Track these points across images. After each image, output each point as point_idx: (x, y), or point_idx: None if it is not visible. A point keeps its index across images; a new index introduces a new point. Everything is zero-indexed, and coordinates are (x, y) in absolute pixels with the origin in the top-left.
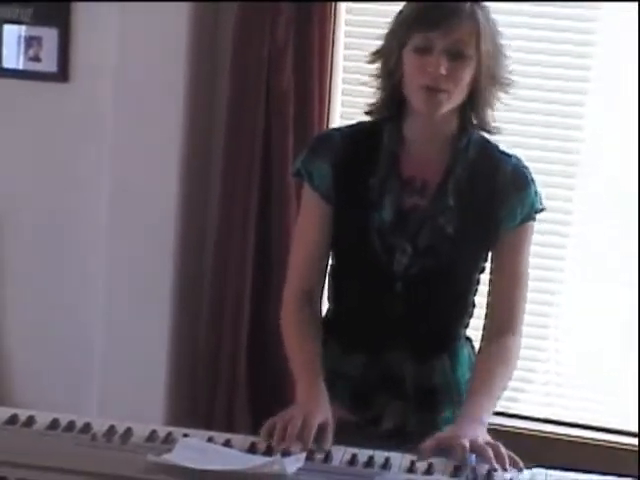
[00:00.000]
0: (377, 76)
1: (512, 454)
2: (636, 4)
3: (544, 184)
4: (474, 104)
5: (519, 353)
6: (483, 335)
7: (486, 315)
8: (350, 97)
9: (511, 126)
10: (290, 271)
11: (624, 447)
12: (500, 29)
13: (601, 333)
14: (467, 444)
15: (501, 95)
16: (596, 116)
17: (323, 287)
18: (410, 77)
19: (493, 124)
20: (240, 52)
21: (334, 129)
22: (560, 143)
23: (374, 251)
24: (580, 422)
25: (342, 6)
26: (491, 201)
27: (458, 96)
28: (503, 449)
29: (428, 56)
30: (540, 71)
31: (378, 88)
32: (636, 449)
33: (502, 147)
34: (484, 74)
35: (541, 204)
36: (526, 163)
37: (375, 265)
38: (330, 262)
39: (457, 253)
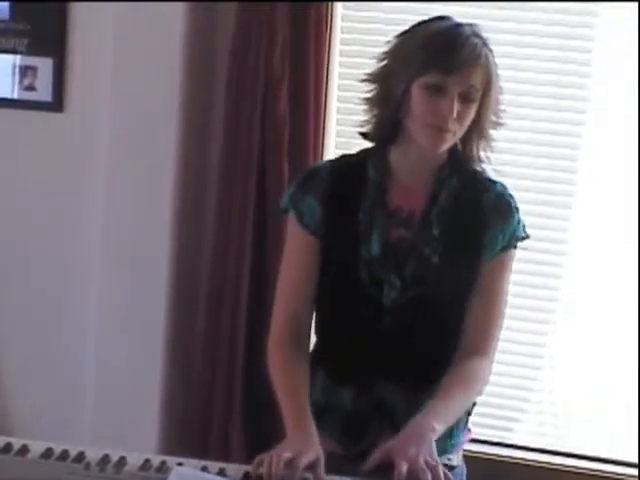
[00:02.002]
0: (373, 99)
1: (450, 476)
2: (636, 4)
3: (539, 212)
4: (469, 139)
5: (488, 377)
6: (454, 356)
7: (459, 338)
8: (344, 127)
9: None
10: (277, 305)
11: (620, 477)
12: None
13: (596, 362)
14: (404, 469)
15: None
16: (593, 141)
17: (311, 320)
18: (419, 115)
19: (483, 158)
20: (236, 79)
21: (320, 164)
22: (557, 161)
23: (362, 284)
24: (574, 452)
25: (338, 35)
26: (475, 229)
27: (461, 133)
28: (442, 471)
29: (441, 97)
30: (533, 90)
31: (373, 112)
32: (634, 479)
33: (488, 174)
34: (486, 115)
35: (524, 232)
36: (511, 192)
37: (364, 298)
38: (318, 295)
39: (444, 283)
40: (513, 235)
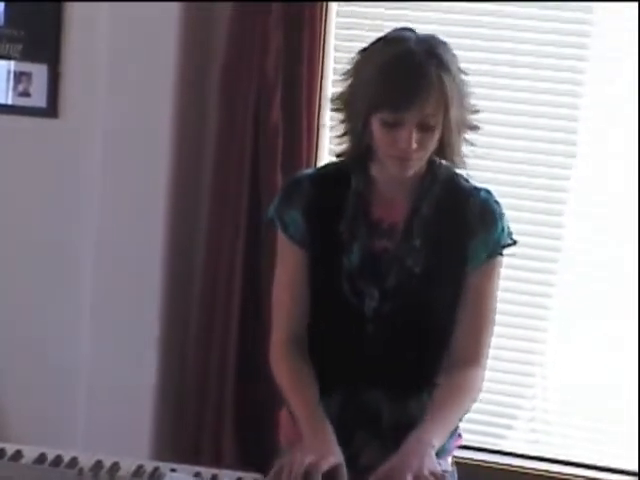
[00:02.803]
0: (341, 123)
1: None
2: (636, 4)
3: (532, 211)
4: (442, 151)
5: (481, 385)
6: (445, 365)
7: (450, 347)
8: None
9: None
10: (276, 317)
11: None
12: (459, 65)
13: (588, 369)
14: (410, 478)
15: (469, 134)
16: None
17: (307, 329)
18: (380, 146)
19: (462, 161)
20: (229, 87)
21: (303, 174)
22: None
23: (344, 295)
24: (566, 459)
25: (331, 42)
26: (459, 238)
27: (427, 155)
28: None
29: (398, 131)
30: (529, 87)
31: (344, 134)
32: None
33: (472, 181)
34: (452, 129)
35: (510, 239)
36: (496, 196)
37: (346, 308)
38: None
39: (426, 293)
40: (497, 243)
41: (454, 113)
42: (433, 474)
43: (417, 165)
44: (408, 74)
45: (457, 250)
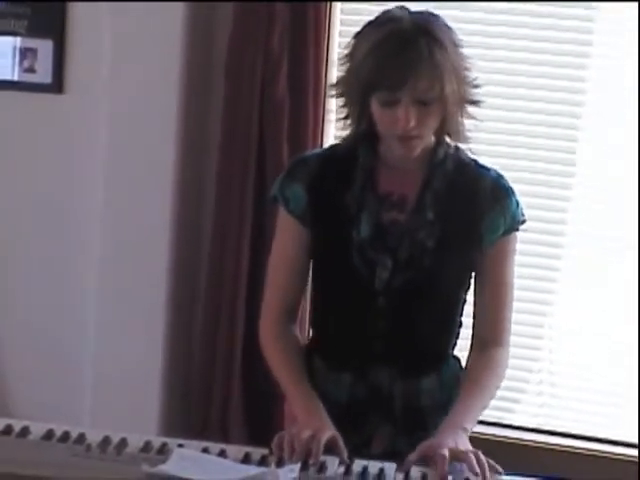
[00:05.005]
0: (343, 106)
1: (492, 461)
2: (636, 4)
3: (538, 192)
4: (446, 127)
5: (507, 363)
6: (471, 346)
7: (473, 326)
8: None
9: (500, 142)
10: (268, 291)
11: (619, 457)
12: (461, 46)
13: (595, 343)
14: (447, 454)
15: (472, 109)
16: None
17: (300, 307)
18: (381, 126)
19: (463, 135)
20: (235, 62)
21: (310, 153)
22: (555, 146)
23: (354, 267)
24: (574, 432)
25: (337, 17)
26: (472, 215)
27: (431, 132)
28: (483, 457)
29: (395, 108)
30: (531, 76)
31: (347, 118)
32: (633, 459)
33: (481, 162)
34: (451, 104)
35: (523, 215)
36: (506, 177)
37: (357, 281)
38: (311, 285)
39: (439, 267)
40: (514, 219)
41: (450, 87)
42: (469, 451)
43: (421, 144)
44: (398, 52)
45: (470, 227)
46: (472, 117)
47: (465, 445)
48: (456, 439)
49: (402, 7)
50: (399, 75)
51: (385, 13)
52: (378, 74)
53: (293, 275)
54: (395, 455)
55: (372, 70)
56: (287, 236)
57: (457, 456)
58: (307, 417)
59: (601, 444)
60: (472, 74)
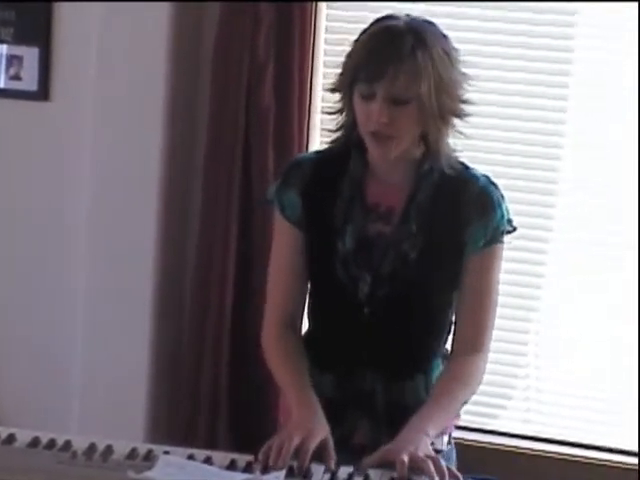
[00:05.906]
0: (337, 111)
1: (452, 468)
2: (636, 4)
3: (523, 200)
4: (427, 138)
5: (485, 368)
6: (451, 350)
7: (453, 332)
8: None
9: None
10: (270, 297)
11: (603, 463)
12: (457, 59)
13: (582, 348)
14: (406, 459)
15: (457, 123)
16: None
17: (303, 311)
18: (359, 122)
19: (444, 147)
20: (220, 68)
21: (304, 155)
22: (540, 151)
23: (338, 279)
24: (560, 439)
25: (323, 23)
26: (455, 224)
27: (408, 137)
28: (442, 462)
29: (371, 103)
30: (519, 78)
31: (338, 122)
32: (616, 465)
33: (472, 167)
34: (428, 111)
35: (510, 225)
36: (496, 182)
37: (341, 291)
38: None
39: (422, 277)
40: (497, 230)
41: (427, 90)
42: (428, 456)
43: (397, 147)
44: (382, 46)
45: (454, 236)
46: (459, 132)
47: (426, 450)
48: (417, 444)
49: (407, 14)
50: (377, 68)
51: (387, 15)
52: (361, 64)
53: (293, 278)
54: (377, 448)
55: (356, 61)
56: (285, 240)
57: (416, 462)
58: (301, 418)
59: (588, 450)
60: (464, 89)
